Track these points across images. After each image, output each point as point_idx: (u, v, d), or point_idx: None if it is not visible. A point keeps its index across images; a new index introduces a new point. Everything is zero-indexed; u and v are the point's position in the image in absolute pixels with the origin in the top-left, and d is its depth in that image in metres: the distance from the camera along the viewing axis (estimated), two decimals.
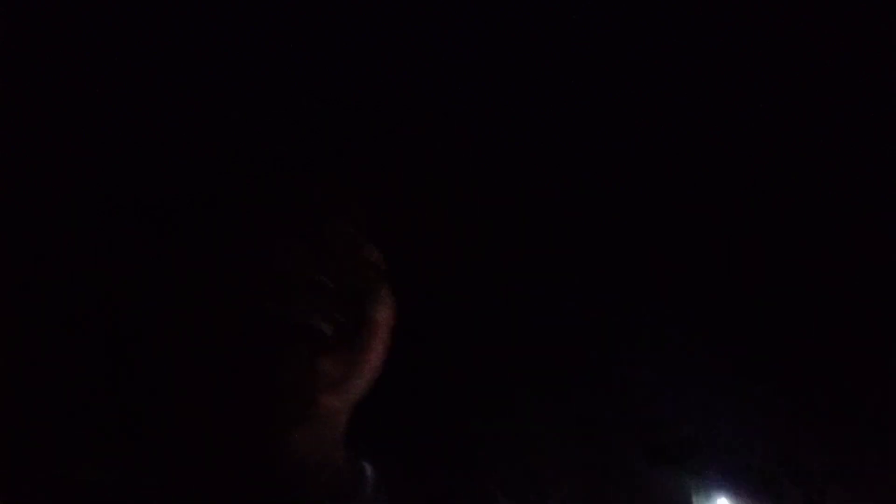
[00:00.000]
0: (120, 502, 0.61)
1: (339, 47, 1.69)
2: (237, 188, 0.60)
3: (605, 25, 1.94)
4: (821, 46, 1.88)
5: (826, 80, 1.95)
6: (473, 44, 1.85)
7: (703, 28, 1.94)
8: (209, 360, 0.56)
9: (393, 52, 1.75)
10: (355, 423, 0.65)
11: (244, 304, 0.56)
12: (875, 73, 1.84)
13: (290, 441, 0.58)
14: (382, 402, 0.65)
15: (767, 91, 2.01)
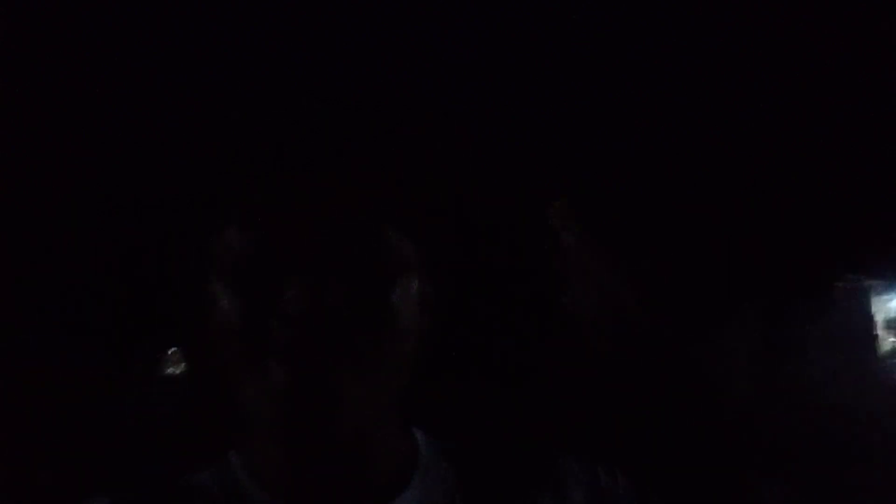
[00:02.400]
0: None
1: (338, 47, 1.68)
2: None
3: (605, 26, 1.94)
4: (821, 47, 1.88)
5: (826, 80, 1.95)
6: (473, 44, 1.85)
7: (703, 28, 1.94)
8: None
9: (393, 52, 1.75)
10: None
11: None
12: (875, 73, 1.84)
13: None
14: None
15: (767, 92, 2.01)
